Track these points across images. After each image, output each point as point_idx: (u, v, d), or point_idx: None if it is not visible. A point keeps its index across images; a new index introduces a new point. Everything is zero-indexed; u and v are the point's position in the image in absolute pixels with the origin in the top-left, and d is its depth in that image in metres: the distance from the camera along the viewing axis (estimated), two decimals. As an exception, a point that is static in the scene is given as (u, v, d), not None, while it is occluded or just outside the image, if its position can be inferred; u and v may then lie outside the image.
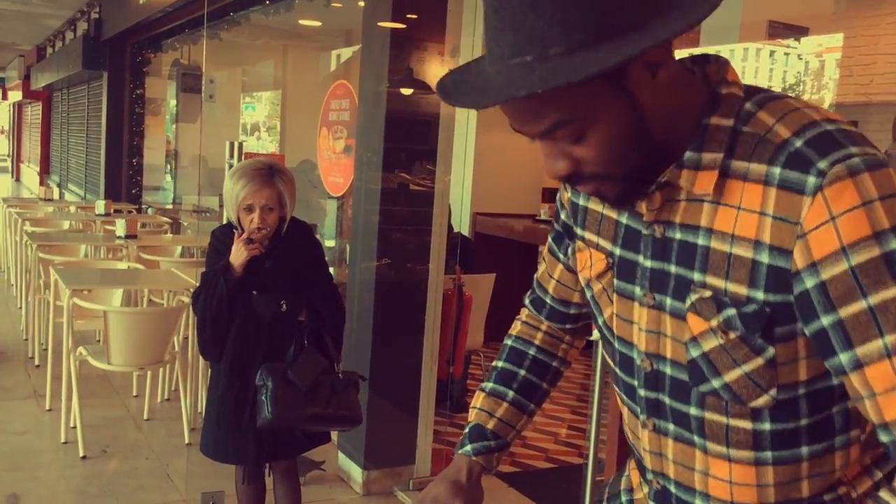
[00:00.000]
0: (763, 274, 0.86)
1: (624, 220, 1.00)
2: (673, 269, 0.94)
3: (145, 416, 4.29)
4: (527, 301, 1.31)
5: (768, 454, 0.93)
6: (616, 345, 1.05)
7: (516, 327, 1.31)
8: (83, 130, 12.12)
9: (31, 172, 18.88)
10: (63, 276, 4.11)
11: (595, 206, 1.06)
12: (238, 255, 2.53)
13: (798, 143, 0.84)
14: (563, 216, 1.16)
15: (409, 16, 3.45)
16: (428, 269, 3.60)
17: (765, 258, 0.86)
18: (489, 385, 1.27)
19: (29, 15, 11.25)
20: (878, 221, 0.80)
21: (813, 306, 0.83)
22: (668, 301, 0.95)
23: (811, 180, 0.82)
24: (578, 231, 1.10)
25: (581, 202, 1.10)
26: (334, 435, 3.74)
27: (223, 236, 2.65)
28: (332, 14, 6.40)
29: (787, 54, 9.83)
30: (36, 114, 18.53)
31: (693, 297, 0.92)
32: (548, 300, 1.26)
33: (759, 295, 0.87)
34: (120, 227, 5.57)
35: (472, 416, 1.26)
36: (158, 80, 9.78)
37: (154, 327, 3.81)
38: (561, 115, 0.85)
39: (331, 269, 3.30)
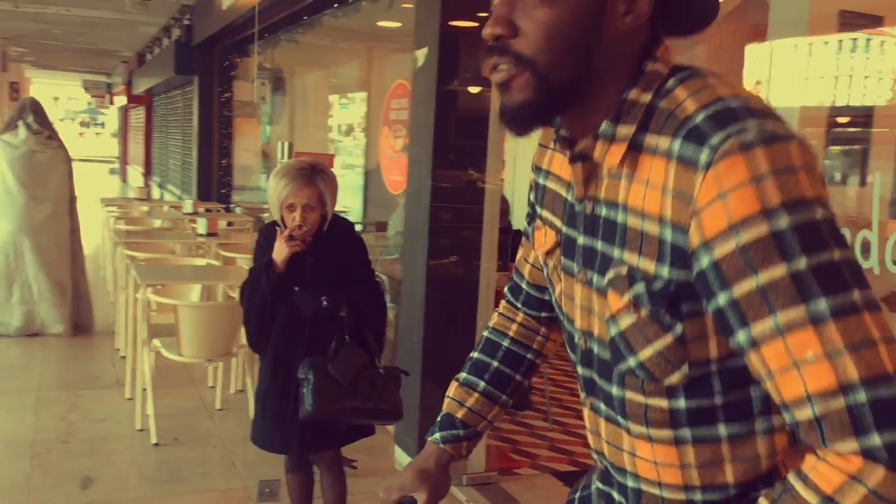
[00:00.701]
0: (668, 251, 0.86)
1: (569, 197, 1.02)
2: (599, 245, 0.95)
3: (217, 406, 4.49)
4: (506, 290, 1.34)
5: (686, 432, 0.92)
6: (564, 323, 1.07)
7: (493, 319, 1.34)
8: (179, 133, 12.69)
9: (135, 173, 19.85)
10: (140, 272, 4.35)
11: (552, 185, 1.09)
12: (280, 251, 2.63)
13: (699, 118, 0.83)
14: (530, 197, 1.18)
15: (456, 22, 3.49)
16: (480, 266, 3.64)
17: (668, 235, 0.86)
18: (462, 375, 1.31)
19: (127, 23, 11.84)
20: (768, 198, 0.78)
21: (709, 285, 0.82)
22: (595, 278, 0.96)
23: (703, 155, 0.81)
24: (538, 210, 1.12)
25: (541, 181, 1.12)
26: (391, 429, 3.83)
27: (268, 234, 2.75)
28: (409, 15, 6.51)
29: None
30: (139, 117, 19.47)
31: (611, 273, 0.93)
32: (524, 285, 1.28)
33: (665, 271, 0.87)
34: (201, 225, 5.82)
35: (444, 404, 1.30)
36: (246, 84, 10.12)
37: (220, 321, 3.98)
38: None
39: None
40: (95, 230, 8.98)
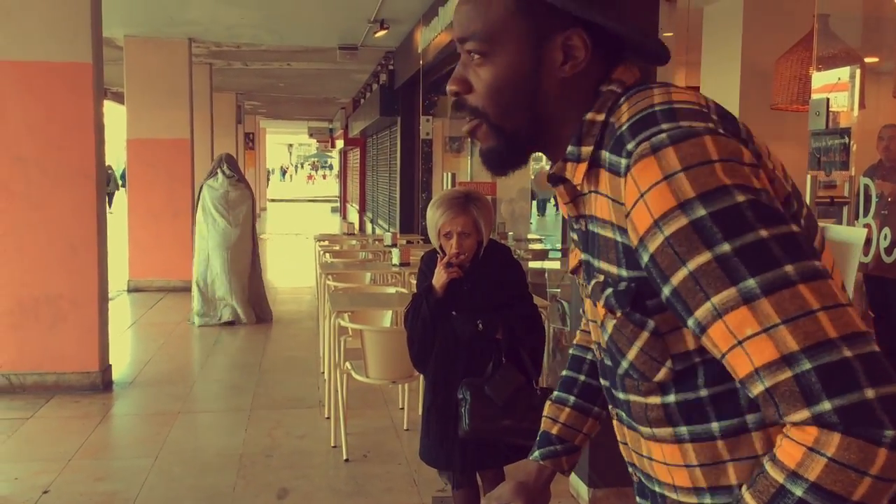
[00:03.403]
0: (621, 252, 0.92)
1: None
2: (591, 259, 1.01)
3: (405, 427, 4.72)
4: (581, 309, 1.37)
5: (683, 429, 0.94)
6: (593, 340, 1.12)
7: (576, 336, 1.40)
8: (386, 170, 13.46)
9: (353, 211, 21.20)
10: (333, 300, 4.69)
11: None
12: (439, 278, 2.77)
13: (624, 127, 0.90)
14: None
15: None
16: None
17: (618, 237, 0.92)
18: (555, 393, 1.37)
19: (340, 72, 12.81)
20: (682, 192, 0.81)
21: (655, 279, 0.87)
22: (590, 291, 1.02)
23: (623, 162, 0.88)
24: (570, 233, 1.18)
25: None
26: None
27: (429, 261, 2.91)
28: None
29: None
30: (355, 158, 20.83)
31: (592, 282, 1.00)
32: None
33: (624, 272, 0.92)
34: (395, 255, 6.16)
35: (541, 423, 1.36)
36: (444, 120, 10.58)
37: (403, 345, 4.19)
38: (481, 29, 0.97)
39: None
40: (311, 264, 9.74)
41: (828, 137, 2.85)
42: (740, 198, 0.81)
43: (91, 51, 5.33)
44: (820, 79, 3.15)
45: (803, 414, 0.76)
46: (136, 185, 9.78)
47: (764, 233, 0.80)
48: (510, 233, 7.59)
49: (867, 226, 3.68)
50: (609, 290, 0.94)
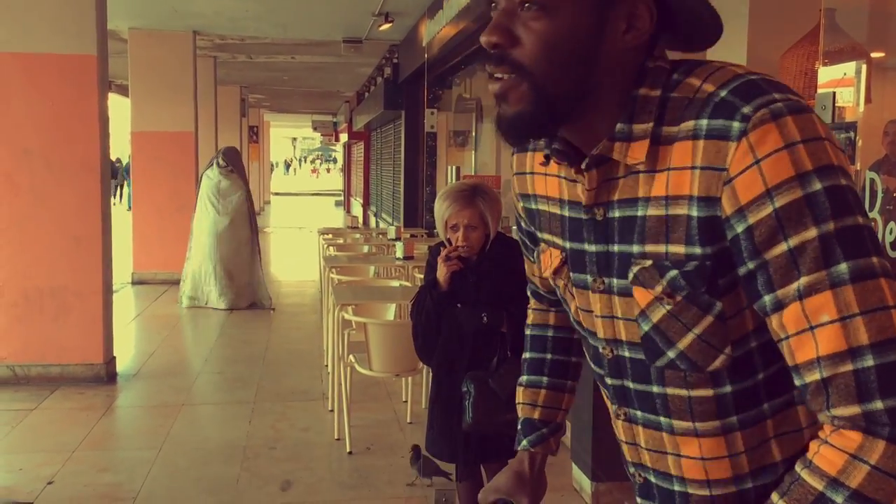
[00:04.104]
0: (695, 227, 0.87)
1: (566, 213, 1.03)
2: (616, 248, 0.95)
3: (408, 420, 4.73)
4: (528, 292, 1.38)
5: (734, 419, 0.92)
6: (586, 338, 1.08)
7: (530, 316, 1.38)
8: (390, 164, 13.46)
9: (357, 205, 21.21)
10: (337, 293, 4.70)
11: (544, 206, 1.09)
12: (440, 272, 2.77)
13: (723, 93, 0.85)
14: (523, 225, 1.20)
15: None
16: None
17: (696, 211, 0.86)
18: (525, 378, 1.35)
19: (345, 65, 12.79)
20: (802, 163, 0.80)
21: (741, 250, 0.83)
22: (615, 282, 0.96)
23: (736, 125, 0.83)
24: (539, 234, 1.13)
25: (533, 206, 1.13)
26: (567, 444, 3.84)
27: (436, 253, 2.90)
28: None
29: None
30: (359, 152, 20.83)
31: (634, 269, 0.93)
32: (541, 292, 1.33)
33: (697, 250, 0.87)
34: (399, 249, 6.16)
35: (519, 411, 1.34)
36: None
37: (406, 338, 4.18)
38: None
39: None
40: (315, 257, 9.75)
41: (833, 132, 2.85)
42: (843, 181, 0.81)
43: (96, 43, 5.33)
44: (826, 73, 3.14)
45: (853, 409, 0.75)
46: (139, 178, 9.80)
47: (861, 219, 0.80)
48: (514, 226, 7.57)
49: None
50: (673, 273, 0.89)
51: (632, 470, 1.07)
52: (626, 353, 0.99)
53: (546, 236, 1.11)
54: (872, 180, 3.81)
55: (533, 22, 0.89)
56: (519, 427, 1.33)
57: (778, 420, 0.91)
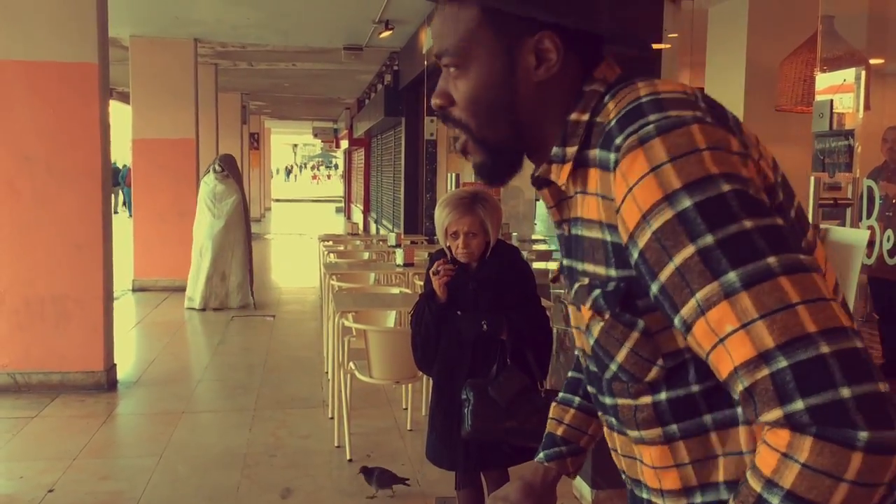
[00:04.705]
0: (611, 251, 0.90)
1: (557, 229, 1.07)
2: (574, 263, 0.99)
3: (408, 427, 4.73)
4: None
5: (674, 427, 0.92)
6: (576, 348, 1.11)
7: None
8: (391, 171, 13.47)
9: (357, 211, 21.22)
10: (337, 300, 4.70)
11: (551, 220, 1.13)
12: (434, 284, 2.77)
13: (612, 123, 0.88)
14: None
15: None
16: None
17: (608, 236, 0.90)
18: (561, 394, 1.36)
19: (345, 72, 12.83)
20: (668, 183, 0.80)
21: (643, 275, 0.85)
22: (573, 295, 1.00)
23: (612, 157, 0.86)
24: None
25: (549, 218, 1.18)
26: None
27: (436, 260, 2.91)
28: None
29: None
30: (360, 159, 20.85)
31: (576, 286, 0.97)
32: None
33: (613, 272, 0.91)
34: (399, 256, 6.17)
35: (548, 425, 1.35)
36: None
37: (406, 346, 4.19)
38: (453, 43, 0.97)
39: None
40: (315, 264, 9.75)
41: (832, 139, 2.85)
42: (726, 187, 0.80)
43: (97, 51, 5.35)
44: (824, 80, 3.15)
45: (776, 413, 0.73)
46: (141, 185, 9.81)
47: (748, 223, 0.78)
48: (514, 233, 7.59)
49: (870, 228, 3.67)
50: (597, 292, 0.93)
51: (623, 477, 1.09)
52: (591, 365, 1.03)
53: (554, 245, 1.15)
54: (870, 188, 3.83)
55: (456, 81, 0.99)
56: (543, 439, 1.34)
57: (723, 436, 0.90)
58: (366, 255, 7.97)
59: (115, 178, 20.37)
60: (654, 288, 0.84)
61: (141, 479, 3.95)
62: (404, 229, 10.32)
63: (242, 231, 8.55)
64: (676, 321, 0.83)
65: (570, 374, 1.37)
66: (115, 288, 6.00)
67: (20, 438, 4.58)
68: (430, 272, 2.75)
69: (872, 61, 4.29)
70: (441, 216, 2.81)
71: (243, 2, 8.07)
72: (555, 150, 0.97)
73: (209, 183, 8.46)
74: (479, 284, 2.80)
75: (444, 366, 2.85)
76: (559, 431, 1.32)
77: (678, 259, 0.80)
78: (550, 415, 1.35)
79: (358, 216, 20.43)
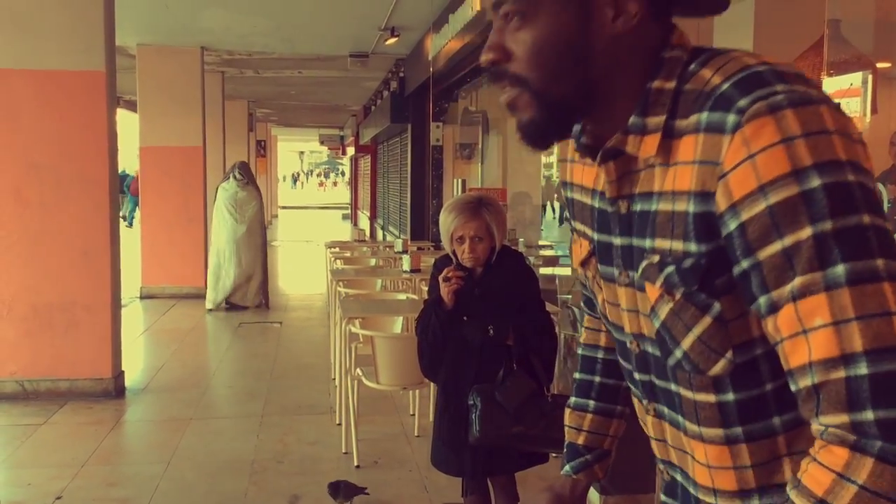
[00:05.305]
0: (693, 223, 0.84)
1: (597, 204, 1.02)
2: (635, 241, 0.94)
3: (416, 433, 4.72)
4: (581, 304, 1.33)
5: (738, 430, 0.88)
6: (613, 333, 1.06)
7: (583, 335, 1.34)
8: (397, 177, 13.49)
9: (364, 218, 21.24)
10: (344, 306, 4.70)
11: (578, 196, 1.08)
12: (442, 290, 2.76)
13: (725, 86, 0.82)
14: (565, 213, 1.19)
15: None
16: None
17: (693, 207, 0.84)
18: (572, 400, 1.31)
19: (351, 80, 12.85)
20: (798, 158, 0.76)
21: (735, 248, 0.80)
22: (636, 276, 0.94)
23: (731, 118, 0.80)
24: (573, 223, 1.12)
25: (569, 194, 1.12)
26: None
27: (441, 265, 2.90)
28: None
29: None
30: (366, 165, 20.87)
31: (643, 264, 0.91)
32: (590, 295, 1.27)
33: (693, 247, 0.85)
34: (405, 262, 6.16)
35: (565, 434, 1.30)
36: (455, 127, 10.61)
37: (413, 351, 4.19)
38: None
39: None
40: (322, 270, 9.76)
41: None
42: (851, 177, 0.76)
43: (104, 60, 5.37)
44: (831, 84, 3.14)
45: (841, 418, 0.71)
46: (148, 193, 9.84)
47: (867, 219, 0.75)
48: (521, 239, 7.59)
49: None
50: (670, 269, 0.87)
51: (661, 466, 1.05)
52: (650, 349, 0.97)
53: (578, 226, 1.10)
54: (879, 191, 3.82)
55: (518, 32, 0.90)
56: (564, 450, 1.30)
57: (792, 437, 0.86)
58: (372, 262, 7.98)
59: (126, 187, 20.42)
60: (746, 263, 0.80)
61: (149, 485, 3.95)
62: (411, 235, 10.33)
63: (261, 235, 8.92)
64: (762, 301, 0.79)
65: (577, 376, 1.32)
66: (122, 295, 6.01)
67: (28, 445, 4.59)
68: (440, 279, 2.74)
69: (879, 65, 4.28)
70: (447, 220, 2.80)
71: (250, 11, 8.10)
72: (633, 119, 0.90)
73: (229, 189, 8.68)
74: (484, 290, 2.80)
75: (451, 371, 2.85)
76: (580, 440, 1.28)
77: (789, 239, 0.76)
78: (567, 423, 1.30)
79: (364, 223, 20.45)
